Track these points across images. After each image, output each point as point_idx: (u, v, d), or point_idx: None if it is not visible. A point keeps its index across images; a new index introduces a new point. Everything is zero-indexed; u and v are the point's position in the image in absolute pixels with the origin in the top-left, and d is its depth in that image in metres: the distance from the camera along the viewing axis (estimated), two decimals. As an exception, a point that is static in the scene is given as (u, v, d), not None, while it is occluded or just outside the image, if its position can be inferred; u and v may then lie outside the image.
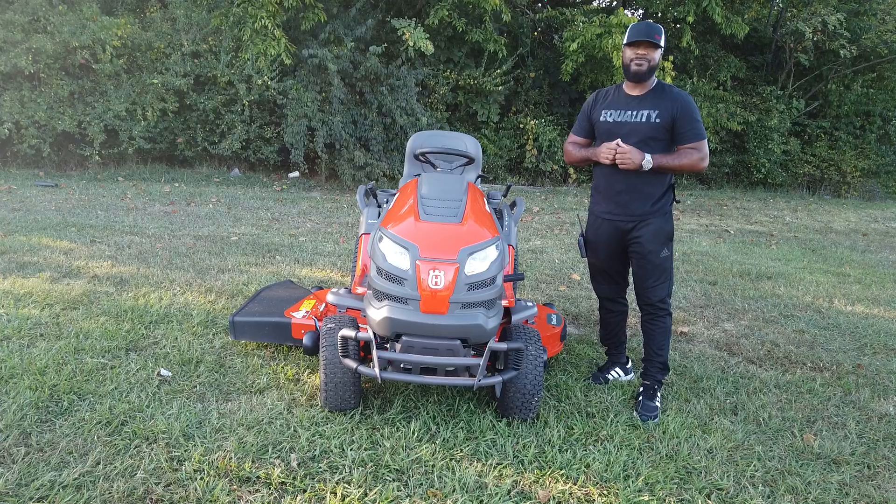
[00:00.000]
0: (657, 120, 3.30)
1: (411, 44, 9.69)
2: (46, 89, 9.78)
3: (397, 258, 2.92)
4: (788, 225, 10.06)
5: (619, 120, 3.39)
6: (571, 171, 11.98)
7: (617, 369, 3.81)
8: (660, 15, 13.99)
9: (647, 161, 3.24)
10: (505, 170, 11.89)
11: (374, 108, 10.19)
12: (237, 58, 10.03)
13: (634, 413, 3.42)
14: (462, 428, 3.16)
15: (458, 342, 2.93)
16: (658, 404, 3.46)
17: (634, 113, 3.36)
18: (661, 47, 3.30)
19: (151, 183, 9.79)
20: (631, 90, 3.43)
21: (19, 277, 4.85)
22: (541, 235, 7.88)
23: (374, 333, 3.14)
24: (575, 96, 12.62)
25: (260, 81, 9.79)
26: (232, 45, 10.15)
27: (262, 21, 9.52)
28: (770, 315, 5.23)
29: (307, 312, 3.82)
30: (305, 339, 3.43)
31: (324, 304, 3.90)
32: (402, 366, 3.06)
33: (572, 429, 3.23)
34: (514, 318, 3.71)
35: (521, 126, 11.75)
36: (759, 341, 4.62)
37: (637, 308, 3.66)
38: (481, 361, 2.93)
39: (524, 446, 3.04)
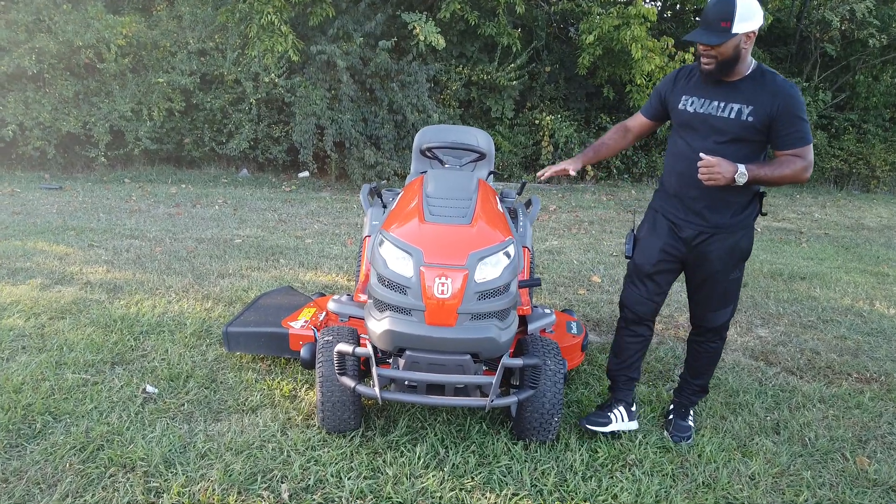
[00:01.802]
0: (750, 118, 2.61)
1: (422, 38, 9.38)
2: (51, 90, 9.60)
3: (399, 264, 2.62)
4: (818, 221, 9.62)
5: (700, 111, 2.73)
6: (589, 168, 11.59)
7: (621, 408, 3.06)
8: (678, 6, 13.57)
9: (742, 174, 2.55)
10: (520, 167, 11.55)
11: (385, 105, 9.90)
12: (244, 55, 9.78)
13: (665, 433, 3.08)
14: (473, 452, 2.85)
15: (468, 357, 2.62)
16: (692, 423, 3.11)
17: (722, 105, 2.68)
18: (731, 35, 2.51)
19: (158, 184, 9.58)
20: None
21: (8, 284, 4.61)
22: (558, 235, 7.54)
23: (375, 348, 2.85)
24: (591, 90, 12.23)
25: (267, 79, 9.53)
26: (238, 42, 9.90)
27: (269, 17, 9.25)
28: (807, 320, 4.85)
29: (306, 322, 3.53)
30: (303, 352, 3.14)
31: (324, 313, 3.60)
32: (405, 383, 2.76)
33: (596, 452, 2.90)
34: (531, 327, 3.39)
35: (537, 122, 11.39)
36: (798, 349, 4.25)
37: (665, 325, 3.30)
38: (494, 380, 2.61)
39: (543, 473, 2.72)
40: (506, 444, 2.90)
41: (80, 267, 5.15)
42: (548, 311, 3.64)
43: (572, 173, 3.08)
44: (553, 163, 11.56)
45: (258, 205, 8.44)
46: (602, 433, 3.00)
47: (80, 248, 5.77)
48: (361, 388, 2.66)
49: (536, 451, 2.86)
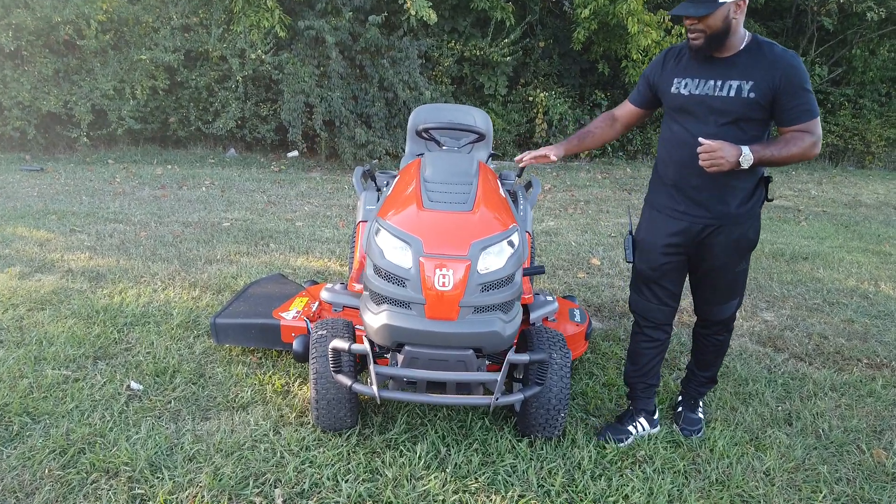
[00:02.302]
0: (752, 94, 2.38)
1: (413, 13, 9.10)
2: (29, 68, 9.26)
3: (397, 254, 2.46)
4: (815, 199, 9.51)
5: (696, 93, 2.48)
6: (583, 145, 11.40)
7: (642, 419, 2.91)
8: (674, -21, 13.28)
9: (747, 157, 2.31)
10: (514, 145, 11.34)
11: (375, 82, 9.64)
12: (229, 31, 9.46)
13: (675, 426, 2.96)
14: (476, 450, 2.71)
15: (471, 352, 2.47)
16: (702, 415, 2.99)
17: (719, 84, 2.44)
18: (718, 4, 2.32)
19: (143, 165, 9.31)
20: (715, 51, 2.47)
21: (-15, 274, 4.42)
22: (554, 215, 7.38)
23: (372, 343, 2.70)
24: (586, 66, 11.99)
25: (254, 56, 9.23)
26: (223, 17, 9.58)
27: (255, -9, 8.95)
28: (813, 302, 4.74)
29: (298, 312, 3.36)
30: (296, 345, 2.98)
31: (317, 303, 3.44)
32: (405, 380, 2.61)
33: (604, 448, 2.78)
34: (533, 315, 3.25)
35: (531, 99, 11.16)
36: (806, 334, 4.13)
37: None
38: (499, 377, 2.46)
39: (550, 472, 2.59)
40: (510, 441, 2.77)
41: (62, 254, 4.95)
42: (550, 298, 3.50)
43: (553, 159, 2.86)
44: (548, 142, 11.41)
45: (246, 186, 8.22)
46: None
47: (61, 233, 5.56)
48: (358, 387, 2.51)
49: (542, 449, 2.73)
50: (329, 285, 3.46)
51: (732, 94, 2.42)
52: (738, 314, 4.33)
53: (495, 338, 2.46)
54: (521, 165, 3.03)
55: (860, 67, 13.40)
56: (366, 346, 2.47)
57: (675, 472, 2.64)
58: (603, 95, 11.73)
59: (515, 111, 11.33)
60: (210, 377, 3.20)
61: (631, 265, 2.86)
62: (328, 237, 5.84)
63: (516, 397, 2.52)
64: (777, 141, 2.40)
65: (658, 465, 2.67)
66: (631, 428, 2.87)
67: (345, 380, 2.53)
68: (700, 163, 2.36)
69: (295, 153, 10.37)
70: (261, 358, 3.41)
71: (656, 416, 2.96)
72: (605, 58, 11.44)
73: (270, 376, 3.22)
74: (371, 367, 2.46)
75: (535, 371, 2.60)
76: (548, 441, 2.78)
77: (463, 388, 2.60)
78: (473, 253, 2.41)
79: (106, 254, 5.01)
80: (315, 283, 3.88)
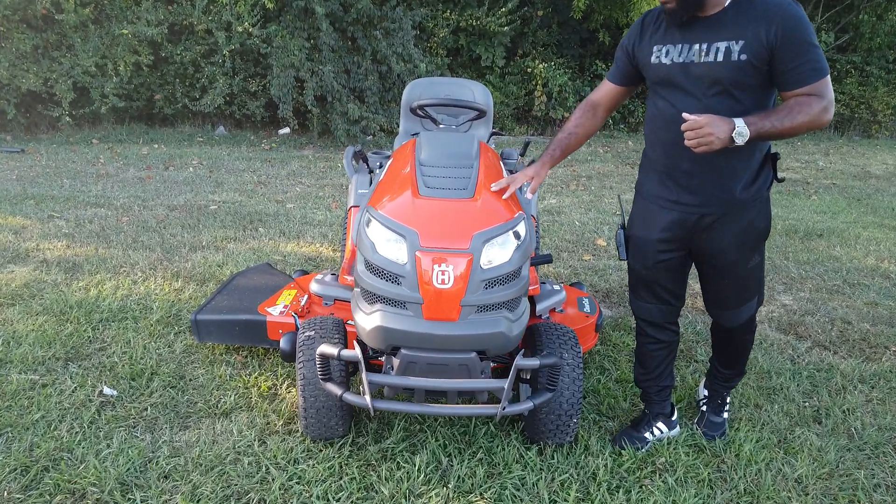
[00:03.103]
0: (742, 56, 2.03)
1: (406, -19, 8.74)
2: (7, 44, 8.86)
3: (391, 248, 2.19)
4: (823, 171, 9.22)
5: (679, 61, 2.15)
6: (584, 118, 11.06)
7: (660, 424, 2.65)
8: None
9: (741, 132, 1.95)
10: (512, 119, 11.00)
11: (368, 55, 9.27)
12: (214, 3, 9.06)
13: (697, 428, 2.72)
14: (481, 460, 2.48)
15: (474, 355, 2.22)
16: (726, 416, 2.75)
17: (704, 48, 2.10)
18: None
19: (128, 145, 8.98)
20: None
21: (-46, 266, 4.14)
22: (556, 192, 7.10)
23: (364, 345, 2.45)
24: (586, 36, 11.60)
25: (241, 28, 8.85)
26: (208, -12, 9.18)
27: (240, -40, 8.54)
28: (832, 283, 4.49)
29: (286, 307, 3.10)
30: (283, 343, 2.72)
31: (306, 296, 3.18)
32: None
33: (620, 455, 2.54)
34: (540, 307, 3.01)
35: (529, 70, 10.79)
36: (828, 319, 3.89)
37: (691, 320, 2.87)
38: (506, 384, 2.21)
39: (562, 485, 2.36)
40: (518, 449, 2.53)
41: (37, 242, 4.67)
42: (557, 286, 3.25)
43: (537, 184, 2.50)
44: (546, 115, 11.04)
45: (236, 165, 7.91)
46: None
47: (38, 219, 5.27)
48: (350, 397, 2.26)
49: (553, 458, 2.50)
50: (319, 276, 3.20)
51: (720, 57, 2.06)
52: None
53: (501, 339, 2.21)
54: (502, 195, 2.68)
55: (867, 33, 13.01)
56: (357, 352, 2.21)
57: (699, 482, 2.41)
58: (604, 66, 11.36)
59: (514, 83, 10.97)
60: (191, 380, 2.95)
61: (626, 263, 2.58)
62: (320, 220, 5.56)
63: (525, 406, 2.27)
64: (779, 109, 2.01)
65: (680, 474, 2.43)
66: (648, 434, 2.63)
67: (335, 389, 2.28)
68: (686, 142, 2.01)
69: (286, 130, 10.04)
70: (246, 357, 3.16)
71: (674, 417, 2.71)
72: (605, 26, 11.06)
73: (256, 378, 2.97)
74: (363, 375, 2.20)
75: (545, 375, 2.35)
76: (559, 448, 2.54)
77: (466, 394, 2.36)
78: (475, 246, 2.15)
79: (84, 242, 4.73)
80: (305, 272, 3.62)
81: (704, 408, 2.76)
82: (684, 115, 2.02)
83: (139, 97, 9.69)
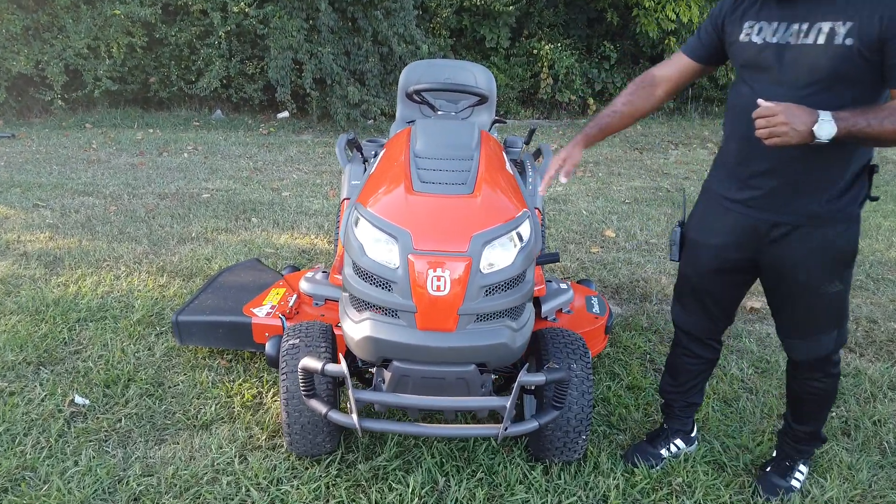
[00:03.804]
0: (847, 41, 1.69)
1: (408, -41, 8.43)
2: (-3, 25, 8.64)
3: (381, 251, 1.97)
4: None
5: (772, 41, 1.83)
6: (591, 100, 10.76)
7: (678, 441, 2.42)
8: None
9: (825, 125, 1.62)
10: (517, 102, 10.71)
11: (369, 36, 8.99)
12: (210, -18, 8.79)
13: (759, 486, 2.29)
14: (481, 481, 2.27)
15: (473, 368, 2.00)
16: (796, 484, 2.28)
17: (804, 28, 1.77)
18: None
19: (123, 129, 8.75)
20: None
21: (-71, 259, 3.94)
22: (562, 179, 6.84)
23: (352, 356, 2.25)
24: (594, 16, 11.26)
25: (237, 9, 8.57)
26: (204, -33, 8.89)
27: (236, -63, 8.25)
28: (855, 279, 4.25)
29: (273, 308, 2.89)
30: (268, 348, 2.52)
31: (295, 296, 2.97)
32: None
33: (633, 474, 2.33)
34: (545, 308, 2.78)
35: (535, 52, 10.49)
36: (852, 318, 3.65)
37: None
38: (508, 403, 2.00)
39: (570, 510, 2.15)
40: (521, 468, 2.32)
41: (19, 234, 4.46)
42: (563, 285, 3.03)
43: (572, 166, 2.20)
44: (552, 98, 10.74)
45: (232, 151, 7.68)
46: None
47: (22, 208, 5.06)
48: (336, 416, 2.04)
49: (560, 477, 2.28)
50: (309, 274, 2.99)
51: (821, 40, 1.73)
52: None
53: (503, 351, 2.00)
54: (542, 192, 2.40)
55: None
56: (342, 367, 2.00)
57: (720, 506, 2.20)
58: (612, 47, 11.03)
59: (519, 65, 10.67)
60: (170, 387, 2.75)
61: (677, 266, 2.26)
62: (316, 209, 5.33)
63: (530, 426, 2.05)
64: (882, 108, 1.65)
65: (699, 497, 2.22)
66: (664, 451, 2.40)
67: (319, 406, 2.07)
68: (756, 132, 1.70)
69: (285, 114, 9.78)
70: (231, 361, 2.96)
71: (694, 433, 2.48)
72: (613, 6, 10.72)
73: (240, 385, 2.76)
74: (350, 392, 1.99)
75: (551, 389, 2.13)
76: (566, 467, 2.33)
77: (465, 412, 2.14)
78: (475, 248, 1.92)
79: (68, 233, 4.52)
80: (295, 269, 3.40)
81: (769, 467, 2.33)
82: (759, 101, 1.71)
83: (133, 80, 9.44)
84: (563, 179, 2.20)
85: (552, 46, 10.48)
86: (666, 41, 10.50)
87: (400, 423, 2.05)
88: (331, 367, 2.00)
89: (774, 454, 2.37)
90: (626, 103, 2.18)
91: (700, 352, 2.29)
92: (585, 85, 10.76)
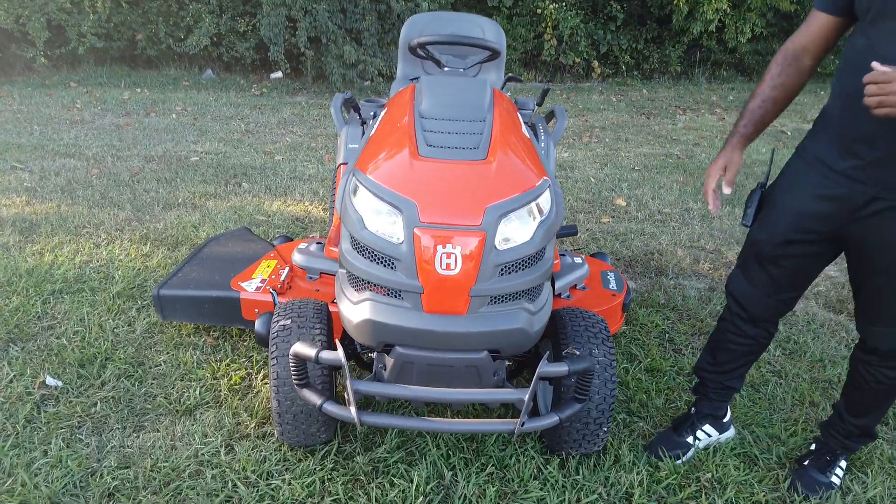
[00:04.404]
0: None
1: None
2: (-26, -23, 8.20)
3: (383, 224, 1.74)
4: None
5: None
6: (595, 63, 10.39)
7: (707, 427, 2.23)
8: None
9: None
10: (520, 64, 10.34)
11: (366, -8, 8.60)
12: (199, -67, 8.35)
13: (797, 481, 2.09)
14: (492, 475, 2.07)
15: (485, 354, 1.79)
16: (836, 480, 2.10)
17: None
18: None
19: (109, 89, 8.37)
20: None
21: None
22: (568, 145, 6.57)
23: (349, 339, 2.04)
24: (599, -25, 10.83)
25: (228, -38, 8.16)
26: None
27: None
28: None
29: (263, 282, 2.66)
30: (258, 325, 2.29)
31: (287, 268, 2.73)
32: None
33: (658, 467, 2.13)
34: (559, 284, 2.57)
35: (539, 12, 10.07)
36: None
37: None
38: (526, 397, 1.78)
39: (590, 509, 1.95)
40: (535, 461, 2.12)
41: (-6, 198, 4.20)
42: (578, 259, 2.81)
43: (737, 167, 1.93)
44: (556, 60, 10.37)
45: (223, 112, 7.35)
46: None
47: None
48: (331, 408, 1.83)
49: (578, 472, 2.08)
50: (303, 245, 2.76)
51: None
52: None
53: (519, 336, 1.78)
54: (714, 211, 2.09)
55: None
56: (339, 354, 1.77)
57: (753, 505, 2.01)
58: (619, 7, 10.60)
59: (522, 25, 10.27)
60: (150, 368, 2.53)
61: (747, 231, 2.02)
62: (311, 174, 5.06)
63: (549, 421, 1.84)
64: None
65: (731, 495, 2.02)
66: (690, 439, 2.20)
67: (313, 398, 1.85)
68: (865, 100, 1.48)
69: (278, 74, 9.40)
70: (218, 338, 2.73)
71: (727, 419, 2.27)
72: (621, -37, 10.28)
73: (227, 366, 2.54)
74: (348, 383, 1.77)
75: (576, 385, 1.91)
76: (584, 460, 2.13)
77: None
78: (489, 221, 1.69)
79: (47, 197, 4.25)
80: (288, 239, 3.16)
81: (807, 460, 2.15)
82: (874, 63, 1.46)
83: (119, 37, 9.02)
84: (727, 191, 1.94)
85: (557, 6, 10.06)
86: (675, 1, 10.09)
87: (403, 418, 1.84)
88: (326, 354, 1.77)
89: (813, 447, 2.17)
90: (775, 87, 1.88)
91: (751, 332, 2.05)
92: (590, 47, 10.38)
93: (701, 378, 2.23)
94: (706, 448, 2.22)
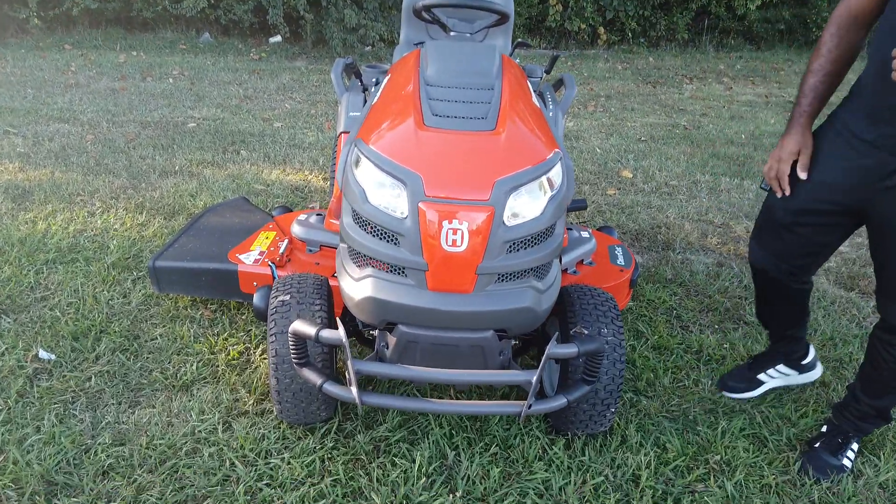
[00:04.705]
0: None
1: None
2: (-36, -66, 7.97)
3: (386, 197, 1.66)
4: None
5: None
6: (601, 30, 10.16)
7: (780, 367, 2.28)
8: None
9: None
10: (524, 30, 10.12)
11: (367, -47, 8.37)
12: None
13: (807, 464, 2.04)
14: (496, 456, 2.02)
15: (491, 333, 1.72)
16: (847, 463, 2.04)
17: None
18: None
19: (104, 52, 8.19)
20: None
21: None
22: (573, 114, 6.44)
23: (349, 319, 1.98)
24: (607, -63, 10.52)
25: (225, -80, 7.92)
26: None
27: None
28: None
29: (262, 254, 2.58)
30: (256, 299, 2.22)
31: (286, 241, 2.65)
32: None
33: (665, 448, 2.08)
34: (566, 259, 2.50)
35: (543, -24, 9.86)
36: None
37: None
38: (534, 378, 1.72)
39: (597, 491, 1.91)
40: (540, 441, 2.07)
41: (-14, 163, 4.10)
42: (585, 233, 2.73)
43: (811, 150, 1.85)
44: (561, 27, 10.13)
45: (220, 77, 7.20)
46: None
47: (-8, 136, 4.67)
48: (331, 389, 1.77)
49: (584, 453, 2.03)
50: (302, 216, 2.68)
51: None
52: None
53: (526, 315, 1.72)
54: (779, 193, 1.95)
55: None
56: (340, 333, 1.70)
57: (763, 489, 1.96)
58: (626, -29, 10.34)
59: (526, -10, 10.02)
60: (146, 341, 2.47)
61: (765, 196, 1.98)
62: (311, 142, 4.95)
63: (557, 403, 1.78)
64: None
65: (741, 478, 1.98)
66: (763, 376, 2.30)
67: (313, 377, 1.79)
68: (893, 73, 1.43)
69: (277, 38, 9.20)
70: (216, 311, 2.67)
71: (809, 359, 2.31)
72: (630, -74, 9.99)
73: (225, 340, 2.48)
74: (349, 363, 1.70)
75: (585, 366, 1.84)
76: (590, 440, 2.08)
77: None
78: (498, 196, 1.61)
79: (40, 163, 4.15)
80: (287, 209, 3.08)
81: (818, 442, 2.08)
82: None
83: (115, -2, 8.81)
84: (802, 175, 1.85)
85: (563, -30, 9.80)
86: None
87: (406, 399, 1.78)
88: (326, 333, 1.71)
89: (825, 429, 2.12)
90: (833, 60, 1.78)
91: (781, 291, 2.07)
92: (596, 13, 10.14)
93: (768, 325, 2.31)
94: (781, 386, 2.35)
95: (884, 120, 1.63)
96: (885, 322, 1.87)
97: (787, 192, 1.88)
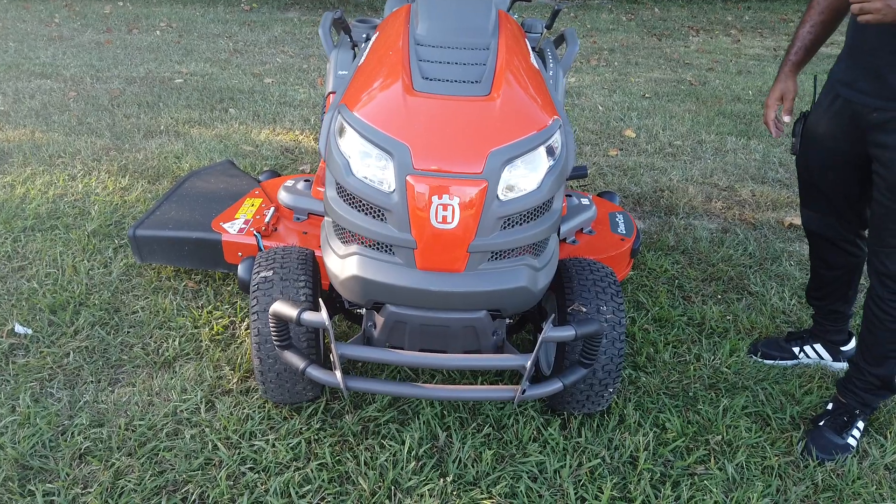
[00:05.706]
0: None
1: None
2: None
3: (372, 169, 1.54)
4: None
5: None
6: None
7: (817, 346, 2.28)
8: None
9: None
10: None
11: None
12: None
13: (810, 445, 1.96)
14: (488, 437, 1.94)
15: (483, 314, 1.63)
16: (852, 442, 1.97)
17: None
18: None
19: (89, 2, 7.90)
20: None
21: None
22: (574, 68, 6.22)
23: (334, 297, 1.88)
24: None
25: None
26: None
27: None
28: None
29: (246, 223, 2.47)
30: (241, 270, 2.13)
31: (273, 208, 2.54)
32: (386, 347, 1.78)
33: (664, 428, 2.01)
34: (564, 228, 2.39)
35: (546, -79, 9.47)
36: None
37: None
38: (528, 362, 1.62)
39: (593, 474, 1.84)
40: (535, 421, 1.99)
41: (-37, 123, 3.94)
42: (585, 200, 2.62)
43: (793, 95, 2.01)
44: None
45: (210, 29, 6.95)
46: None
47: (-30, 93, 4.50)
48: (314, 373, 1.68)
49: (580, 434, 1.96)
50: (289, 182, 2.56)
51: None
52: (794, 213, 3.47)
53: (521, 295, 1.62)
54: (777, 135, 2.06)
55: None
56: (323, 316, 1.60)
57: (765, 471, 1.89)
58: (631, -82, 9.94)
59: (528, -63, 9.63)
60: (127, 315, 2.37)
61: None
62: (302, 99, 4.78)
63: (552, 388, 1.69)
64: None
65: (742, 460, 1.91)
66: (797, 349, 2.31)
67: (295, 360, 1.69)
68: (851, 7, 1.56)
69: (269, -12, 8.88)
70: (199, 282, 2.57)
71: (848, 347, 2.29)
72: None
73: (209, 313, 2.39)
74: (334, 346, 1.61)
75: (583, 349, 1.75)
76: (587, 420, 2.00)
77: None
78: (492, 168, 1.50)
79: (20, 123, 3.99)
80: (275, 174, 2.95)
81: (822, 420, 2.00)
82: None
83: (99, -55, 8.45)
84: (787, 119, 2.03)
85: (566, -85, 9.41)
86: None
87: (394, 383, 1.69)
88: (308, 315, 1.60)
89: (830, 406, 2.05)
90: (822, 10, 1.91)
91: (830, 258, 2.11)
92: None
93: (813, 303, 2.29)
94: (808, 366, 2.31)
95: (860, 64, 1.75)
96: (873, 269, 1.86)
97: (774, 135, 2.02)
